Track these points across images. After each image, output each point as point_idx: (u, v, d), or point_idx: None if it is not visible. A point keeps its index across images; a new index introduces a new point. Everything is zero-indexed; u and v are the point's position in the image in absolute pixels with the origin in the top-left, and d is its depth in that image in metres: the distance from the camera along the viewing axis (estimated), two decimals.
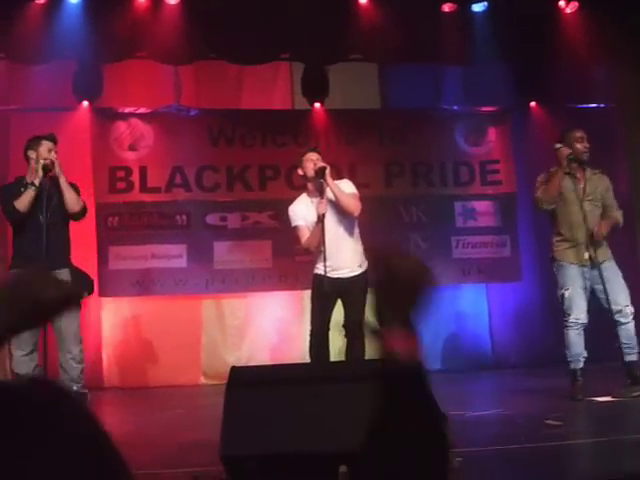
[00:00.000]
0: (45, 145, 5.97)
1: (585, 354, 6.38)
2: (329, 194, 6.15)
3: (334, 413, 3.91)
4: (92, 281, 6.40)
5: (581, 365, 6.37)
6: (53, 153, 5.97)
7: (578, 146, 6.49)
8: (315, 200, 6.23)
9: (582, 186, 6.53)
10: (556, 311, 8.72)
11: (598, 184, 6.62)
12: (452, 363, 8.98)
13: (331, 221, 6.13)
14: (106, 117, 8.86)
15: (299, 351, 8.58)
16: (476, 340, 9.25)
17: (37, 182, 5.82)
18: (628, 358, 6.33)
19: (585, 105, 9.46)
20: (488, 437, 5.10)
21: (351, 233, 6.25)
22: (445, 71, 9.33)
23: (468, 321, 9.34)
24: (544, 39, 8.47)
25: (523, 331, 9.22)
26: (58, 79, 8.34)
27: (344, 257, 6.12)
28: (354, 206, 6.22)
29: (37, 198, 5.88)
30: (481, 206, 9.49)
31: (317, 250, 6.20)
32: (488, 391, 8.07)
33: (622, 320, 6.35)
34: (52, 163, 5.90)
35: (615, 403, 6.08)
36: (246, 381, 4.12)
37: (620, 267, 6.55)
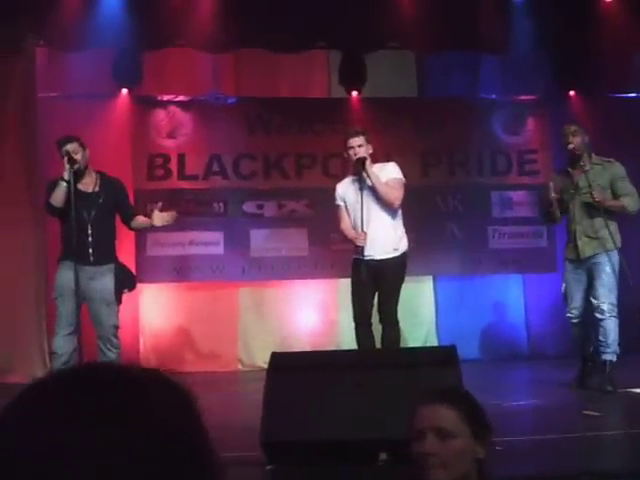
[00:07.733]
0: (70, 145, 6.08)
1: (590, 349, 6.46)
2: (369, 182, 6.16)
3: (373, 400, 3.93)
4: (134, 277, 6.55)
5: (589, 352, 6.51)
6: (80, 153, 6.09)
7: (564, 141, 6.50)
8: (357, 179, 6.27)
9: (575, 181, 6.48)
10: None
11: (598, 176, 6.49)
12: (488, 353, 8.97)
13: (369, 203, 6.13)
14: (145, 105, 8.93)
15: (334, 339, 8.61)
16: (512, 330, 9.21)
17: (66, 176, 5.96)
18: (603, 357, 6.34)
19: (624, 94, 9.37)
20: (525, 427, 5.09)
21: (390, 217, 6.22)
22: (483, 59, 9.26)
23: (504, 311, 9.30)
24: (583, 27, 8.40)
25: (559, 322, 9.15)
26: (98, 67, 8.40)
27: (377, 239, 6.10)
28: (393, 197, 6.18)
29: (84, 198, 6.02)
30: (518, 196, 9.42)
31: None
32: (524, 381, 8.04)
33: (598, 316, 6.38)
34: (75, 153, 6.02)
35: None
36: (286, 367, 4.14)
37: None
